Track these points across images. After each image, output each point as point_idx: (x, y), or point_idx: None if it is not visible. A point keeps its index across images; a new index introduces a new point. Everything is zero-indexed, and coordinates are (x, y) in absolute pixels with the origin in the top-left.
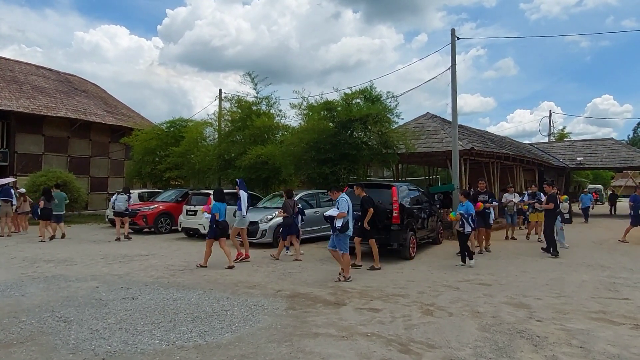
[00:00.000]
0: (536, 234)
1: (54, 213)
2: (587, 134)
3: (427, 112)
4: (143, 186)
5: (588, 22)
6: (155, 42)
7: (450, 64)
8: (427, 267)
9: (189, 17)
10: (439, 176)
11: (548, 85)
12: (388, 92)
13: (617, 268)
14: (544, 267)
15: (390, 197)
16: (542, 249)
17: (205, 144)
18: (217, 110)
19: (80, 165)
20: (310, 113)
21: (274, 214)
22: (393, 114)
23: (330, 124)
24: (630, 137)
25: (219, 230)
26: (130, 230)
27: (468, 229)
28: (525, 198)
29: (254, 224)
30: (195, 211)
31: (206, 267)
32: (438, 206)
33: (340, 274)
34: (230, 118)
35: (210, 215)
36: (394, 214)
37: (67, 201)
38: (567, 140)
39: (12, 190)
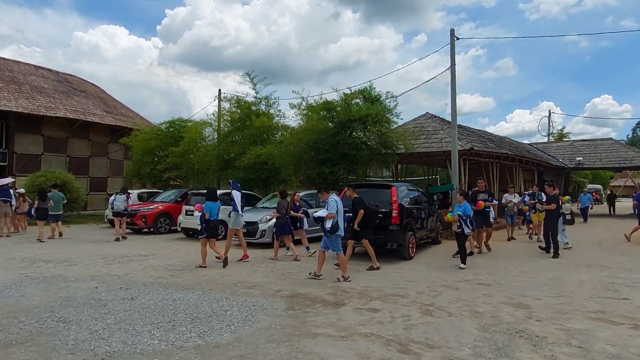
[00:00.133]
0: (535, 234)
1: (51, 213)
2: (587, 134)
3: (427, 112)
4: (142, 186)
5: (587, 22)
6: (154, 42)
7: (449, 64)
8: (427, 267)
9: (188, 17)
10: (438, 176)
11: (547, 85)
12: (387, 92)
13: (616, 268)
14: (543, 267)
15: (390, 197)
16: (540, 247)
17: (205, 144)
18: (217, 110)
19: (80, 165)
20: (310, 113)
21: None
22: (392, 114)
23: (330, 124)
24: (629, 137)
25: (209, 229)
26: (128, 231)
27: (467, 230)
28: (526, 198)
29: (253, 224)
30: (195, 211)
31: (205, 267)
32: (437, 206)
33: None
34: (229, 118)
35: (200, 214)
36: (394, 214)
37: (65, 201)
38: (567, 140)
39: (11, 191)
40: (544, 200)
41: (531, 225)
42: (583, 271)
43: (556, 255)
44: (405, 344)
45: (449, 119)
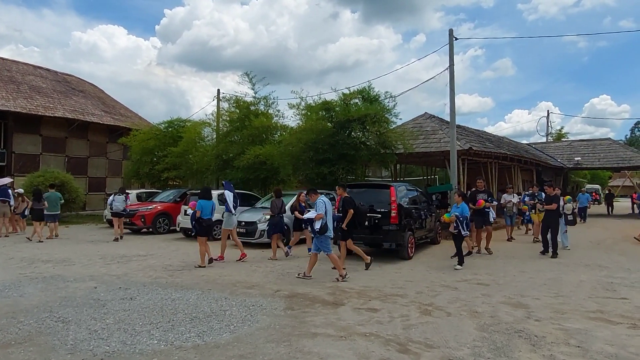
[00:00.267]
0: (533, 234)
1: (47, 213)
2: (585, 134)
3: (425, 112)
4: (141, 186)
5: (585, 23)
6: (153, 42)
7: (448, 64)
8: (426, 267)
9: (187, 17)
10: (437, 176)
11: (546, 85)
12: (386, 92)
13: (615, 268)
14: (541, 267)
15: (389, 197)
16: (541, 252)
17: (204, 144)
18: (215, 110)
19: (78, 165)
20: (309, 113)
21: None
22: (391, 114)
23: (329, 124)
24: (627, 137)
25: (202, 228)
26: (127, 231)
27: (463, 231)
28: (526, 199)
29: (252, 224)
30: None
31: (204, 267)
32: (436, 206)
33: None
34: (228, 118)
35: (192, 212)
36: (392, 214)
37: (62, 201)
38: (565, 140)
39: (9, 191)
40: (543, 200)
41: (530, 226)
42: (582, 271)
43: (555, 255)
44: (404, 343)
45: (447, 119)
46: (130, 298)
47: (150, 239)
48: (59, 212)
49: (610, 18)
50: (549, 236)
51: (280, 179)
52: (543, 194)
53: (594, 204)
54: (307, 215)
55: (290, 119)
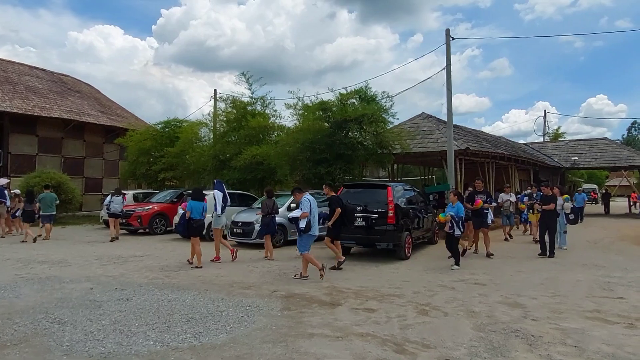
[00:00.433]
0: (531, 234)
1: (42, 214)
2: (582, 133)
3: (423, 112)
4: (138, 187)
5: (582, 23)
6: (149, 42)
7: (445, 64)
8: (423, 267)
9: (183, 17)
10: (434, 176)
11: (543, 85)
12: (383, 92)
13: (612, 267)
14: (538, 266)
15: (386, 197)
16: (539, 255)
17: (200, 144)
18: (212, 110)
19: (74, 166)
20: (306, 113)
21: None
22: (388, 114)
23: (326, 124)
24: (624, 136)
25: (192, 228)
26: (123, 231)
27: (457, 232)
28: (524, 199)
29: (249, 224)
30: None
31: (201, 267)
32: (433, 206)
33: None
34: (225, 118)
35: (183, 212)
36: (389, 214)
37: (58, 202)
38: (562, 140)
39: (6, 192)
40: (540, 200)
41: (528, 226)
42: (579, 271)
43: (552, 254)
44: (401, 343)
45: (444, 119)
46: (126, 299)
47: (147, 240)
48: (54, 212)
49: (607, 18)
50: (546, 238)
51: (277, 179)
52: (541, 194)
53: (592, 203)
54: (292, 214)
55: (287, 119)
